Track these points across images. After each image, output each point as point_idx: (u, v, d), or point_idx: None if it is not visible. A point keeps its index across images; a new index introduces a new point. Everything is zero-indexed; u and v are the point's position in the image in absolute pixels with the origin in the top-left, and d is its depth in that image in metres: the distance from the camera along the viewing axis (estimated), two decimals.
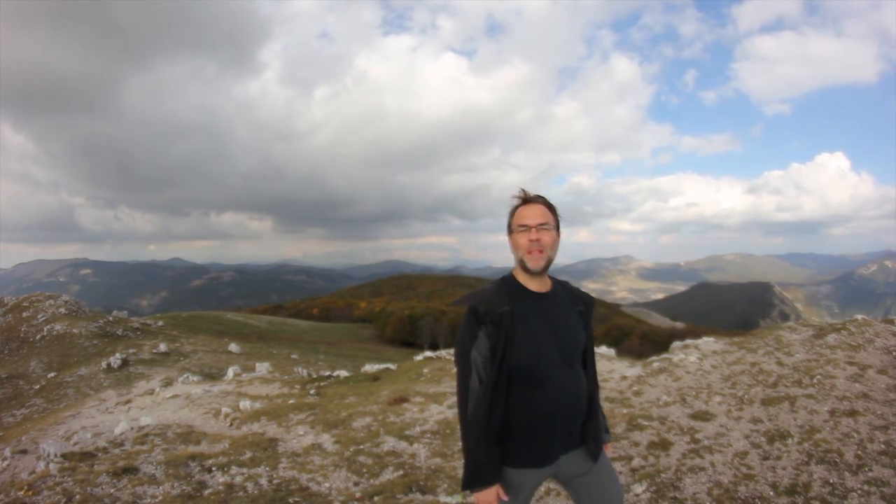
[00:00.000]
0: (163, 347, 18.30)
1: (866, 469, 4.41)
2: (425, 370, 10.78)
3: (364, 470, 5.30)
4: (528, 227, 2.26)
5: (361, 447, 5.93)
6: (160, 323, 25.35)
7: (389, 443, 6.04)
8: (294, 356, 23.85)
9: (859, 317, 9.26)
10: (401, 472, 5.17)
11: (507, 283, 2.35)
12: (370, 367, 12.72)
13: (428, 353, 13.08)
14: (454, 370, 8.21)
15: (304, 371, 15.06)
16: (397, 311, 78.72)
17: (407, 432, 6.36)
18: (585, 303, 2.45)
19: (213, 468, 5.35)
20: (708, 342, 9.47)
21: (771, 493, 4.25)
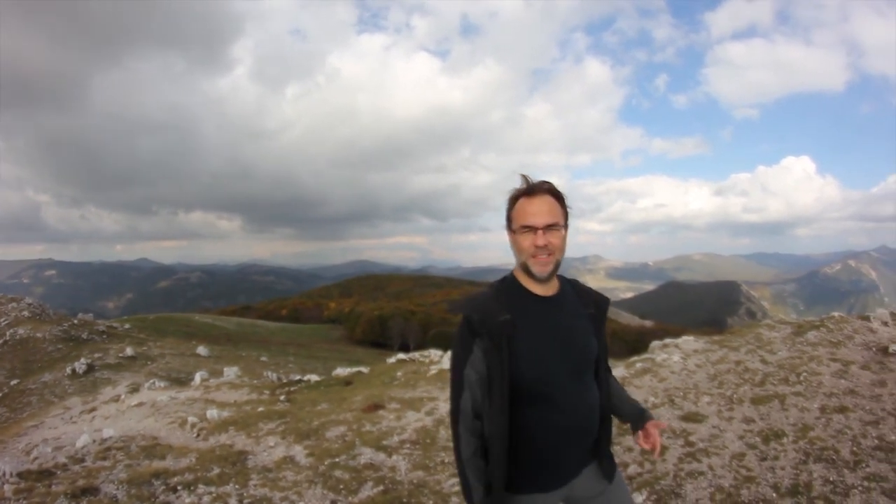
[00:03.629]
0: (129, 351, 17.68)
1: (864, 465, 4.41)
2: (399, 373, 10.43)
3: (341, 486, 4.90)
4: (533, 229, 1.90)
5: (337, 460, 5.51)
6: (127, 326, 24.62)
7: (366, 454, 5.63)
8: (263, 358, 23.37)
9: (836, 314, 9.33)
10: (381, 488, 4.79)
11: (508, 285, 2.00)
12: (342, 371, 12.33)
13: (401, 356, 12.76)
14: (429, 373, 7.89)
15: (274, 375, 14.64)
16: (367, 312, 78.27)
17: (385, 442, 5.97)
18: (598, 305, 2.10)
19: (179, 487, 4.90)
20: (688, 341, 9.36)
21: (774, 496, 4.15)
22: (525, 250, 1.92)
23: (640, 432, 2.16)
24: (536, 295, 1.98)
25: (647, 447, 2.13)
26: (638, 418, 2.18)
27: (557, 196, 1.96)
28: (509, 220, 1.98)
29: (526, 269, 1.95)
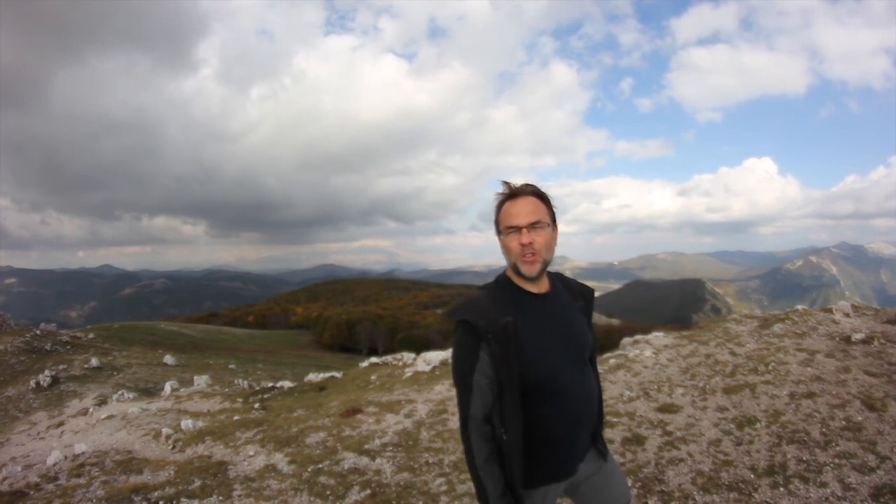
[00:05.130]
0: (94, 362, 17.13)
1: (834, 444, 4.70)
2: (373, 377, 10.39)
3: (328, 492, 4.85)
4: (517, 229, 1.95)
5: (320, 466, 5.45)
6: (91, 335, 23.89)
7: (350, 459, 5.58)
8: (232, 366, 22.94)
9: (800, 307, 9.64)
10: (368, 492, 4.78)
11: (503, 287, 2.05)
12: (314, 377, 12.22)
13: (374, 360, 12.70)
14: (404, 376, 7.91)
15: (245, 383, 14.40)
16: (335, 317, 77.82)
17: (366, 446, 5.94)
18: (585, 296, 2.22)
19: (161, 502, 4.78)
20: (658, 337, 9.56)
21: (752, 476, 4.40)
22: (512, 250, 1.97)
23: None
24: (532, 293, 2.04)
25: None
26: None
27: (541, 197, 2.02)
28: (497, 224, 2.04)
29: (516, 270, 2.00)
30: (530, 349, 1.93)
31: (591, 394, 2.12)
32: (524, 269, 1.97)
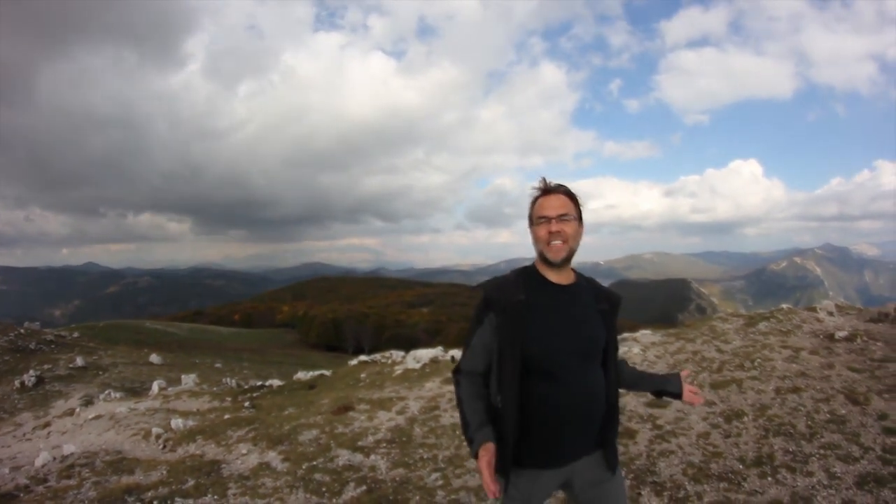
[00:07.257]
0: (80, 361, 16.87)
1: (819, 436, 4.94)
2: (363, 375, 10.38)
3: (323, 489, 4.86)
4: (547, 219, 2.15)
5: (314, 463, 5.46)
6: (76, 334, 23.54)
7: (344, 456, 5.60)
8: (218, 365, 22.74)
9: (785, 306, 9.84)
10: (364, 488, 4.79)
11: (527, 273, 2.25)
12: (303, 375, 12.18)
13: (363, 358, 12.66)
14: (394, 374, 8.01)
15: (233, 381, 14.28)
16: (321, 315, 77.39)
17: (360, 443, 5.96)
18: (610, 301, 2.32)
19: (154, 502, 4.73)
20: (646, 335, 9.68)
21: (741, 467, 4.59)
22: (541, 238, 2.17)
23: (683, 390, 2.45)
24: (552, 282, 2.20)
25: (693, 400, 2.48)
26: (664, 381, 2.47)
27: (571, 196, 2.21)
28: (530, 217, 2.23)
29: (543, 258, 2.17)
30: (535, 328, 2.11)
31: (593, 390, 2.18)
32: (550, 255, 2.15)
